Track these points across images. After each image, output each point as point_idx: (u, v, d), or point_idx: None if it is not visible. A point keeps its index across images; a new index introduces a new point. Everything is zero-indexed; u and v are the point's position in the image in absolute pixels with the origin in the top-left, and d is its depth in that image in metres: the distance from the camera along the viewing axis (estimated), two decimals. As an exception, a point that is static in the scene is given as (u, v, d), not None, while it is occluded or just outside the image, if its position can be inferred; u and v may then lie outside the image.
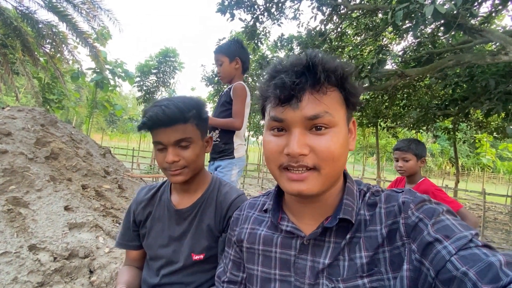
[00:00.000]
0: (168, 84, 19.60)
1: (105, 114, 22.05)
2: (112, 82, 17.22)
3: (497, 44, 4.48)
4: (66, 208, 2.56)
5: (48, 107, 13.80)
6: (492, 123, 8.51)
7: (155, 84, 19.31)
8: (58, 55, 9.37)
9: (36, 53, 9.13)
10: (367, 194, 0.56)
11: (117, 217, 2.91)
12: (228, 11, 5.66)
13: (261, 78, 0.55)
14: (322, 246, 0.54)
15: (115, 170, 4.29)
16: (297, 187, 0.50)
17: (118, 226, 2.72)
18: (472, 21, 4.24)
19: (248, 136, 22.03)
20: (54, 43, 8.76)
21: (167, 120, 0.75)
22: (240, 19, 5.98)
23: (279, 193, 0.65)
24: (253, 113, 17.05)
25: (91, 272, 2.05)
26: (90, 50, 8.93)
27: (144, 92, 19.12)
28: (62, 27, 8.35)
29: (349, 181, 0.58)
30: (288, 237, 0.58)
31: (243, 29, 6.17)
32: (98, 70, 14.89)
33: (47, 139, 3.35)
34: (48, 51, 9.08)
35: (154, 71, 18.99)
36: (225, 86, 1.98)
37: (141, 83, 19.07)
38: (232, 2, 5.59)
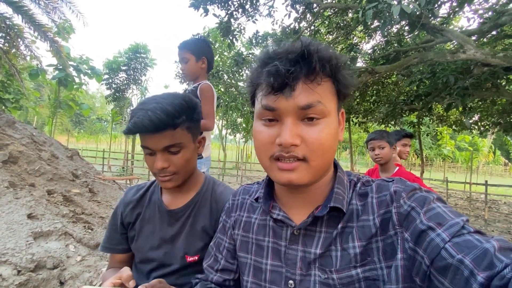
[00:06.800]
0: (139, 81, 18.78)
1: (70, 114, 20.57)
2: (77, 80, 16.09)
3: (455, 43, 4.85)
4: (30, 216, 2.35)
5: (3, 107, 12.56)
6: (451, 116, 9.24)
7: (125, 82, 18.41)
8: (14, 50, 8.55)
9: (-14, 47, 8.25)
10: (358, 184, 0.56)
11: (89, 223, 2.73)
12: (201, 6, 5.52)
13: (252, 65, 0.54)
14: (313, 236, 0.53)
15: (84, 173, 4.03)
16: (287, 176, 0.49)
17: (90, 232, 2.56)
18: (433, 22, 4.54)
19: (226, 134, 21.84)
20: (8, 37, 7.97)
21: (154, 127, 0.69)
22: (214, 14, 5.86)
23: (270, 183, 0.64)
24: (230, 111, 16.93)
25: (61, 283, 1.91)
26: (50, 45, 8.25)
27: (113, 90, 18.14)
28: (18, 19, 7.62)
29: (340, 171, 0.58)
30: (279, 226, 0.58)
31: (218, 25, 6.06)
32: (61, 67, 13.80)
33: (4, 141, 3.05)
34: (1, 46, 8.24)
35: (124, 68, 18.08)
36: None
37: (110, 80, 18.06)
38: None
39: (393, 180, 0.53)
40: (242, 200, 0.69)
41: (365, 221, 0.51)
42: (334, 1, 6.47)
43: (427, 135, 12.81)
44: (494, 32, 4.89)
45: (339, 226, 0.52)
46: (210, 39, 10.73)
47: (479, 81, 4.74)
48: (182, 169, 0.78)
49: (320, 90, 0.48)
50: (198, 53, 1.79)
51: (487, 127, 8.00)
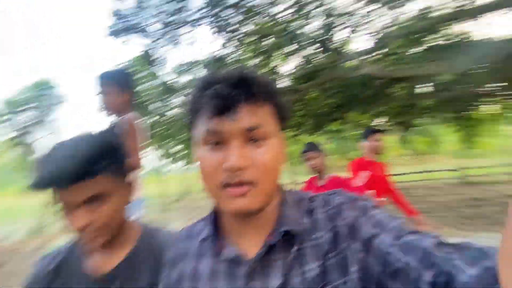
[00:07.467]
0: (46, 121, 16.36)
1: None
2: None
3: (354, 61, 5.85)
4: None
5: None
6: (364, 120, 10.91)
7: (31, 122, 15.78)
8: None
9: None
10: (304, 202, 0.56)
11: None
12: (121, 35, 5.28)
13: (191, 91, 0.53)
14: (271, 266, 0.50)
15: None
16: (237, 203, 0.47)
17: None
18: (335, 45, 5.40)
19: (165, 165, 20.42)
20: None
21: (67, 180, 0.56)
22: (136, 43, 5.68)
23: (216, 217, 0.59)
24: (166, 140, 16.03)
25: None
26: None
27: (17, 132, 15.31)
28: None
29: (285, 191, 0.58)
30: (234, 266, 0.53)
31: (141, 53, 5.87)
32: None
33: None
34: None
35: (29, 106, 15.57)
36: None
37: (11, 121, 15.24)
38: (123, 28, 5.24)
39: (335, 192, 0.55)
40: (186, 247, 0.60)
41: (319, 239, 0.50)
42: (256, 29, 7.10)
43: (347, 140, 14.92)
44: (384, 51, 6.08)
45: (294, 249, 0.50)
46: (135, 68, 10.22)
47: (377, 91, 5.81)
48: (109, 223, 0.65)
49: (262, 113, 0.49)
50: (121, 85, 1.68)
51: (391, 127, 9.72)
